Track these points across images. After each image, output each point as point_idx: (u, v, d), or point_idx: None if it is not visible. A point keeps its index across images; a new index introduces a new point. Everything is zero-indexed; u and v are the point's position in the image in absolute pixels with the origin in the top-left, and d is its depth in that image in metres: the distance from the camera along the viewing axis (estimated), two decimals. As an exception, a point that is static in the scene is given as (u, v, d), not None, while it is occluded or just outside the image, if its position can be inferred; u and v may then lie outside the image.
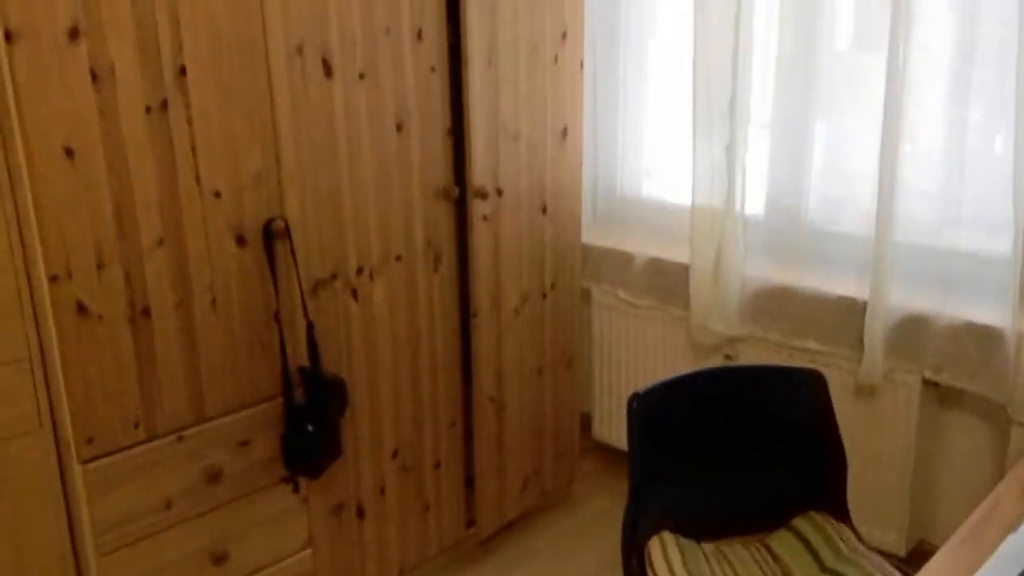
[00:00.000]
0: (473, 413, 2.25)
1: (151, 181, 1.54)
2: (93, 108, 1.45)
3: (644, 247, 2.55)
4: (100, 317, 1.52)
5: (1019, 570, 1.21)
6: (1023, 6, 1.68)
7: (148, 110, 1.51)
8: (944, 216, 2.00)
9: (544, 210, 2.28)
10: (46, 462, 1.52)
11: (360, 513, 2.05)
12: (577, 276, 2.44)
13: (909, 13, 1.84)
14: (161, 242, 1.58)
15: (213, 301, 1.67)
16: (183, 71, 1.55)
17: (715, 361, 2.38)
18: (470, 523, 2.35)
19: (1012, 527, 1.30)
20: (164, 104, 1.53)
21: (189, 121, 1.57)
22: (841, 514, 1.73)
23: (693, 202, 2.32)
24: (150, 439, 1.64)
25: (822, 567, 1.61)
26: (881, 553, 2.09)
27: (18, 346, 1.45)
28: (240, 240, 1.69)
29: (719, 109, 2.22)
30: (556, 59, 2.21)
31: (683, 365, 2.43)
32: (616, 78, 2.62)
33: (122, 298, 1.55)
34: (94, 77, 1.44)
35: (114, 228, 1.51)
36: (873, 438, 2.12)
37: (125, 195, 1.52)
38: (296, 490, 1.89)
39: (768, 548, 1.69)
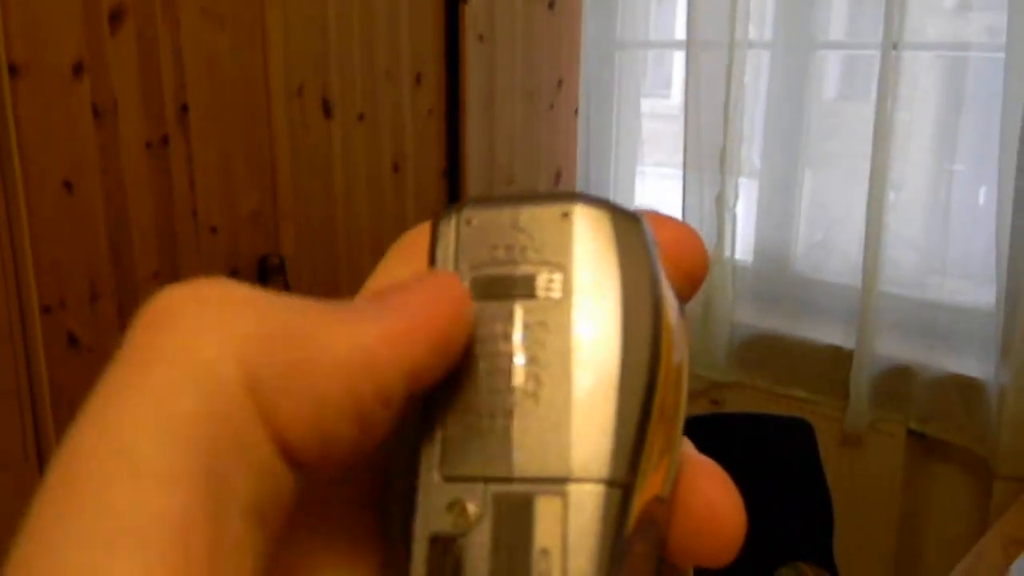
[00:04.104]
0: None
1: (148, 215, 1.56)
2: (94, 143, 1.47)
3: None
4: (91, 349, 1.53)
5: (1001, 622, 1.21)
6: (1008, 62, 1.73)
7: (149, 146, 1.54)
8: (929, 267, 2.03)
9: (536, 253, 2.30)
10: (31, 496, 1.51)
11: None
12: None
13: (896, 67, 1.89)
14: (156, 275, 1.59)
15: (205, 336, 1.68)
16: (184, 108, 1.57)
17: (702, 407, 2.39)
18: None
19: (995, 579, 1.31)
20: (165, 140, 1.55)
21: (189, 158, 1.59)
22: (827, 564, 1.73)
23: (683, 249, 2.34)
24: (137, 473, 1.63)
25: (806, 616, 1.61)
26: (866, 603, 2.09)
27: (6, 377, 1.45)
28: (234, 275, 1.70)
29: (709, 159, 2.26)
30: (552, 106, 2.25)
31: (671, 410, 2.43)
32: (609, 126, 2.66)
33: (115, 330, 1.56)
34: (96, 112, 1.46)
35: (109, 260, 1.52)
36: (859, 488, 2.12)
37: (122, 228, 1.53)
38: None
39: (753, 596, 1.69)
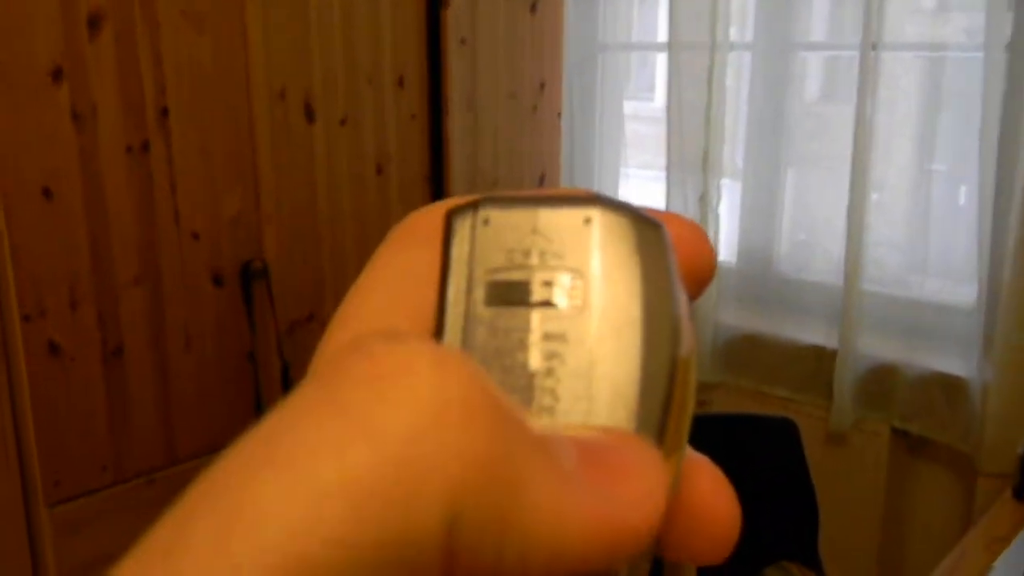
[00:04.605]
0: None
1: (129, 221, 1.55)
2: (73, 148, 1.45)
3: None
4: (72, 357, 1.51)
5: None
6: (986, 62, 1.74)
7: (129, 150, 1.52)
8: (911, 266, 2.04)
9: (520, 256, 2.30)
10: (12, 505, 1.49)
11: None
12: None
13: (876, 68, 1.90)
14: (137, 282, 1.58)
15: (188, 341, 1.67)
16: (165, 112, 1.56)
17: (688, 408, 2.39)
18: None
19: (979, 576, 1.32)
20: (145, 145, 1.54)
21: (169, 162, 1.58)
22: (812, 563, 1.74)
23: (667, 250, 2.34)
24: (119, 482, 1.62)
25: (793, 615, 1.61)
26: (852, 602, 2.10)
27: (-12, 385, 1.44)
28: (217, 280, 1.69)
29: (692, 161, 2.26)
30: (535, 108, 2.25)
31: (656, 411, 2.43)
32: (593, 128, 2.67)
33: (95, 338, 1.54)
34: (75, 117, 1.45)
35: (89, 267, 1.51)
36: (843, 487, 2.13)
37: (102, 235, 1.52)
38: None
39: (740, 596, 1.69)
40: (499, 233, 0.17)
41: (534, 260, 0.16)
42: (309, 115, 1.78)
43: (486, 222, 0.17)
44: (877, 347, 2.06)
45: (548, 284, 0.16)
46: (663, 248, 0.16)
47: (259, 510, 0.12)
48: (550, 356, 0.16)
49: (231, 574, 0.11)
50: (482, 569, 0.13)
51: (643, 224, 0.16)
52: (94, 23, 1.45)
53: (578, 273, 0.16)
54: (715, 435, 1.72)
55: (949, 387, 1.94)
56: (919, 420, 2.01)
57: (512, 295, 0.16)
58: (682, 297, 0.17)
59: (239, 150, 1.68)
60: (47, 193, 1.43)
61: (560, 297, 0.16)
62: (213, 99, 1.62)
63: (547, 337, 0.16)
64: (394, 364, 0.13)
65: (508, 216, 0.17)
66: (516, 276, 0.16)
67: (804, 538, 1.75)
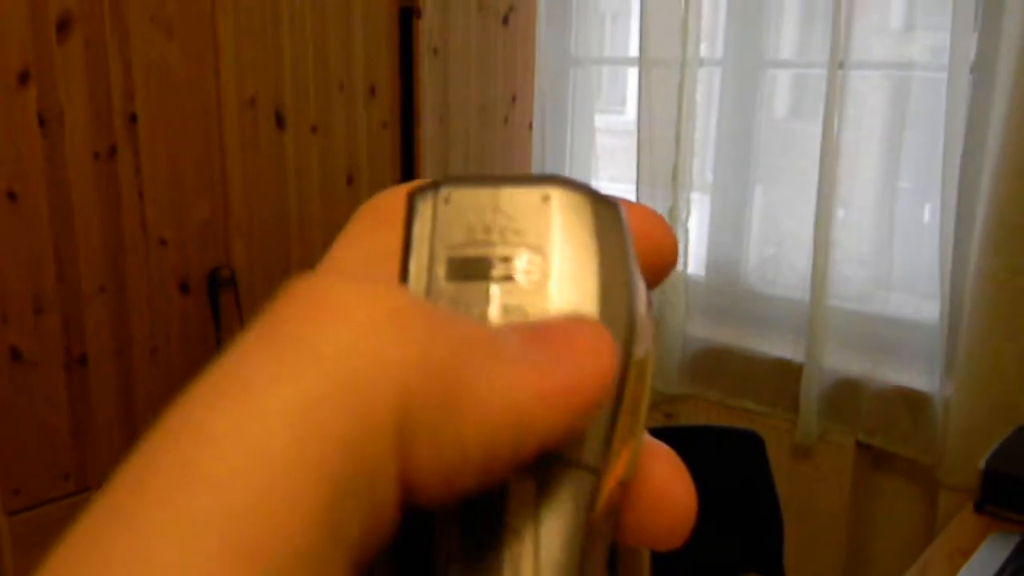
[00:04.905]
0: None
1: (95, 227, 1.53)
2: (39, 152, 1.44)
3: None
4: (35, 364, 1.49)
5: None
6: (950, 81, 1.78)
7: (96, 156, 1.51)
8: (876, 281, 2.07)
9: (490, 266, 2.30)
10: None
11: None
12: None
13: (843, 86, 1.93)
14: (102, 289, 1.56)
15: (153, 349, 1.65)
16: (133, 118, 1.55)
17: (655, 420, 2.41)
18: None
19: (940, 588, 1.33)
20: (112, 150, 1.53)
21: (137, 168, 1.57)
22: (777, 575, 1.75)
23: (636, 263, 2.36)
24: (81, 490, 1.59)
25: (758, 627, 1.62)
26: (816, 614, 2.11)
27: (-53, 392, 1.42)
28: (184, 288, 1.67)
29: (662, 174, 2.28)
30: (506, 120, 2.26)
31: (624, 423, 2.44)
32: (564, 141, 2.68)
33: (59, 345, 1.52)
34: (42, 121, 1.43)
35: (54, 273, 1.49)
36: (808, 499, 2.15)
37: (67, 240, 1.50)
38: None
39: (705, 608, 1.70)
40: (460, 211, 0.17)
41: (495, 237, 0.17)
42: (280, 122, 1.77)
43: (447, 201, 0.17)
44: (842, 361, 2.09)
45: (508, 260, 0.17)
46: (619, 225, 0.17)
47: (217, 445, 0.12)
48: None
49: (197, 512, 0.12)
50: (449, 461, 0.13)
51: (600, 202, 0.17)
52: (63, 27, 1.43)
53: (537, 249, 0.17)
54: (681, 447, 1.72)
55: (912, 401, 1.97)
56: (883, 434, 2.04)
57: (473, 270, 0.17)
58: (637, 271, 0.17)
59: (208, 157, 1.66)
60: (12, 196, 1.41)
61: (519, 272, 0.16)
62: (182, 105, 1.61)
63: (506, 310, 0.16)
64: (327, 294, 0.14)
65: (469, 195, 0.17)
66: (477, 252, 0.17)
67: (769, 550, 1.76)
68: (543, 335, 0.15)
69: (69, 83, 1.45)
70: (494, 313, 0.16)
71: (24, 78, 1.39)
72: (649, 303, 0.18)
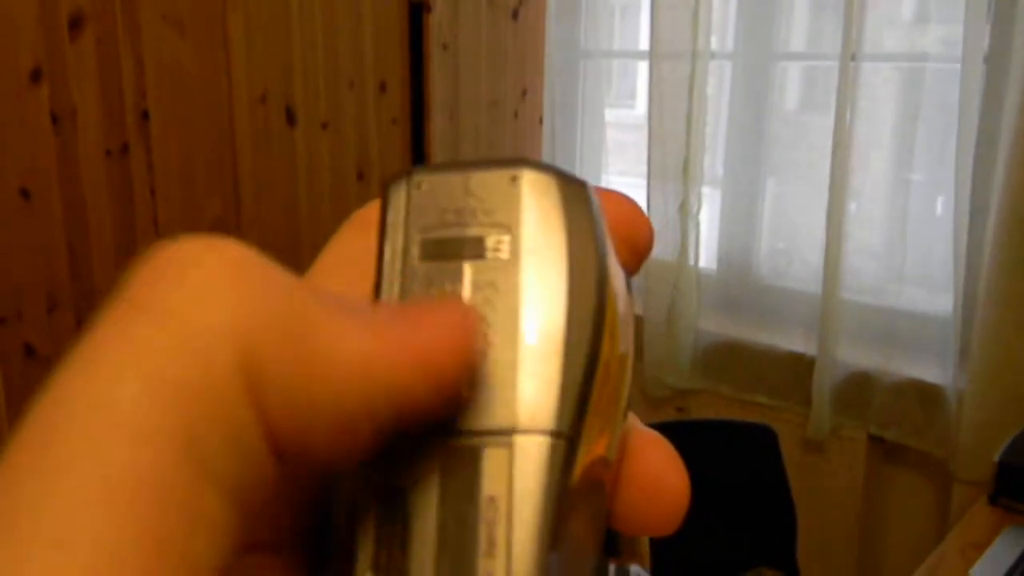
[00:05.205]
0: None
1: (108, 225, 1.54)
2: (52, 150, 1.44)
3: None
4: (49, 361, 1.50)
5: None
6: (964, 73, 1.76)
7: (108, 153, 1.52)
8: (888, 274, 2.06)
9: (501, 261, 2.30)
10: None
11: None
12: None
13: (855, 79, 1.92)
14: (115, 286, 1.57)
15: (166, 346, 1.66)
16: (145, 116, 1.55)
17: (667, 414, 2.41)
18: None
19: (954, 582, 1.33)
20: (125, 148, 1.53)
21: (150, 166, 1.57)
22: (790, 569, 1.75)
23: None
24: (96, 486, 1.60)
25: (771, 621, 1.62)
26: (829, 608, 2.11)
27: (-37, 389, 1.43)
28: (196, 285, 1.68)
29: (673, 169, 2.28)
30: (516, 114, 2.26)
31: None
32: (574, 135, 2.68)
33: (73, 342, 1.53)
34: (55, 119, 1.44)
35: (67, 271, 1.50)
36: (821, 493, 2.15)
37: (80, 238, 1.51)
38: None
39: (718, 602, 1.70)
40: (432, 196, 0.18)
41: (466, 218, 0.17)
42: (290, 119, 1.77)
43: (419, 187, 0.18)
44: (855, 355, 2.08)
45: (479, 239, 0.17)
46: (587, 203, 0.17)
47: (71, 406, 0.13)
48: (482, 304, 0.17)
49: (64, 492, 0.12)
50: (300, 414, 0.14)
51: (567, 181, 0.18)
52: (75, 25, 1.44)
53: (507, 228, 0.17)
54: (694, 442, 1.72)
55: (925, 394, 1.96)
56: (896, 427, 2.03)
57: (445, 250, 0.17)
58: (609, 245, 0.18)
59: (220, 154, 1.67)
60: (25, 194, 1.42)
61: (490, 250, 0.17)
62: (194, 103, 1.61)
63: (477, 286, 0.17)
64: (169, 255, 0.14)
65: (441, 180, 0.18)
66: (449, 233, 0.17)
67: (781, 544, 1.76)
68: (405, 310, 0.16)
69: (81, 81, 1.46)
70: (466, 290, 0.17)
71: (36, 76, 1.40)
72: (628, 286, 0.18)
